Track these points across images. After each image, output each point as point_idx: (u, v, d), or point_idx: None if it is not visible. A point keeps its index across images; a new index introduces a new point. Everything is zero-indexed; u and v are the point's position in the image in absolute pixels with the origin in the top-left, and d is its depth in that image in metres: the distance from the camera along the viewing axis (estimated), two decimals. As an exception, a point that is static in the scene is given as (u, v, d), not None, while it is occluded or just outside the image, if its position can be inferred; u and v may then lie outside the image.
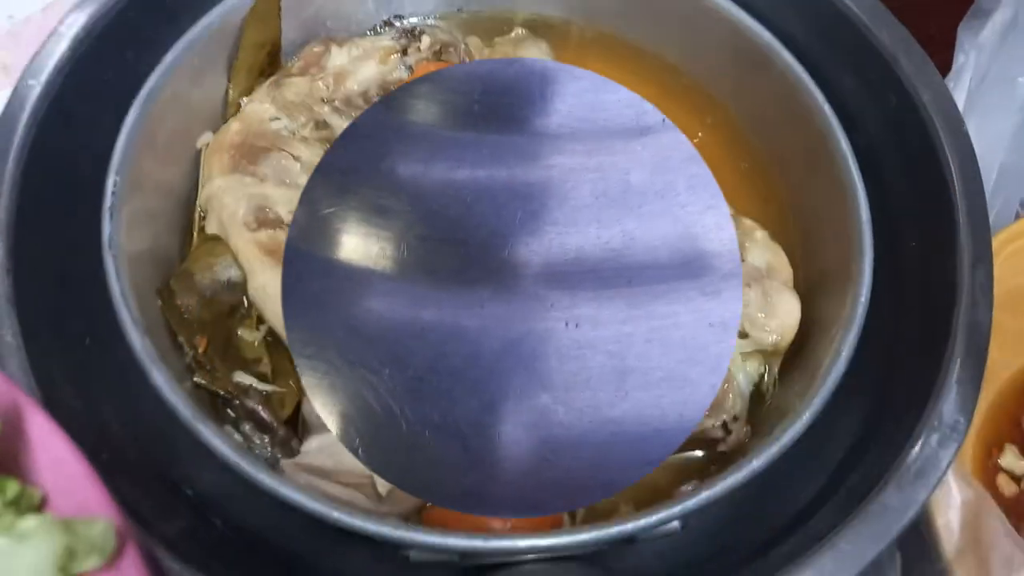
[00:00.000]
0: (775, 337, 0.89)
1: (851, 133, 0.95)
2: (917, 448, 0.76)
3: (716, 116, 1.11)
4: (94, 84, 0.96)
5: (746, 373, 0.89)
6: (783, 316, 0.89)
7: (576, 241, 0.82)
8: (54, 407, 0.75)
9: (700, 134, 1.10)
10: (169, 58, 0.95)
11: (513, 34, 1.16)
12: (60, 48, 0.94)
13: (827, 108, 0.97)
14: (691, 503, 0.73)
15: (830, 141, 0.95)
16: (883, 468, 0.76)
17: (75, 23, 0.96)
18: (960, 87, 1.10)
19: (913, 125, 0.94)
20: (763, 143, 1.07)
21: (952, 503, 0.82)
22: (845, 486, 0.79)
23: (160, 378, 0.76)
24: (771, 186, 1.06)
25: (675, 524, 0.73)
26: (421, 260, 0.82)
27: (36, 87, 0.92)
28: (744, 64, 1.05)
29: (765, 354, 0.91)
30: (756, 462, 0.75)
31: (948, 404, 0.78)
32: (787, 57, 1.00)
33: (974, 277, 0.85)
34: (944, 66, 1.13)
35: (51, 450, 0.58)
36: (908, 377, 0.85)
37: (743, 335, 0.89)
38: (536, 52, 1.12)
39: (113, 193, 0.86)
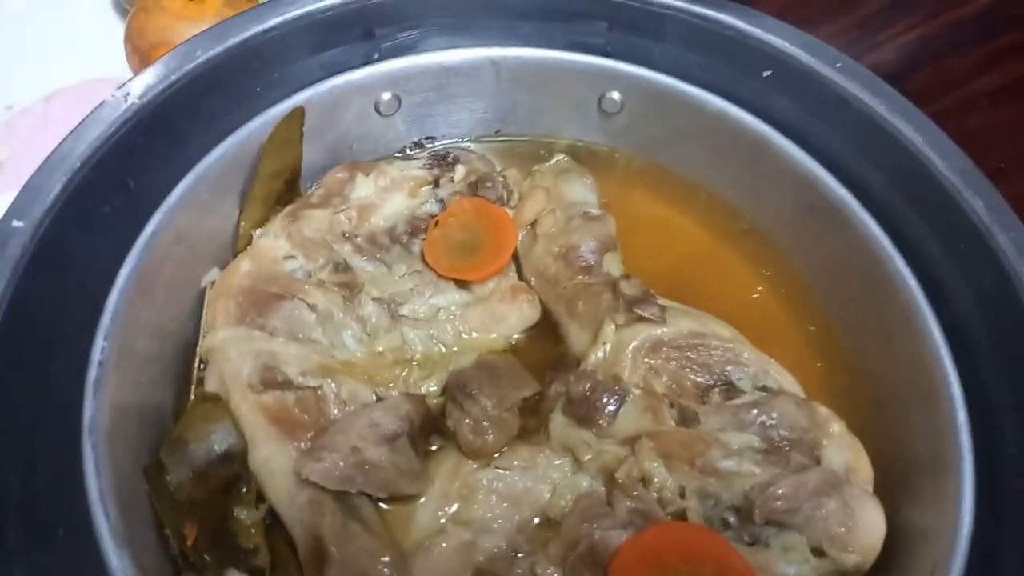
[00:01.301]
0: (857, 558, 0.77)
1: (936, 307, 0.85)
2: None
3: (778, 269, 1.00)
4: (89, 219, 0.85)
5: None
6: (867, 532, 0.77)
7: None
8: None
9: (760, 288, 1.00)
10: (175, 196, 0.85)
11: (554, 161, 1.06)
12: (52, 183, 0.83)
13: (911, 278, 0.86)
14: None
15: (914, 319, 0.84)
16: None
17: (72, 151, 0.85)
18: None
19: (1012, 312, 0.82)
20: (834, 305, 0.95)
21: None
22: None
23: (138, 607, 0.64)
24: (841, 356, 0.94)
25: None
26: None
27: (21, 225, 0.81)
28: (812, 217, 0.95)
29: (843, 574, 0.78)
30: None
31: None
32: (864, 216, 0.90)
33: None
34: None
35: None
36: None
37: (819, 553, 0.77)
38: (580, 189, 1.01)
39: (100, 363, 0.75)
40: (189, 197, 0.86)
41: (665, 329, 0.89)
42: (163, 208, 0.84)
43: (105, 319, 0.76)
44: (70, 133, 0.86)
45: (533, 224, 0.99)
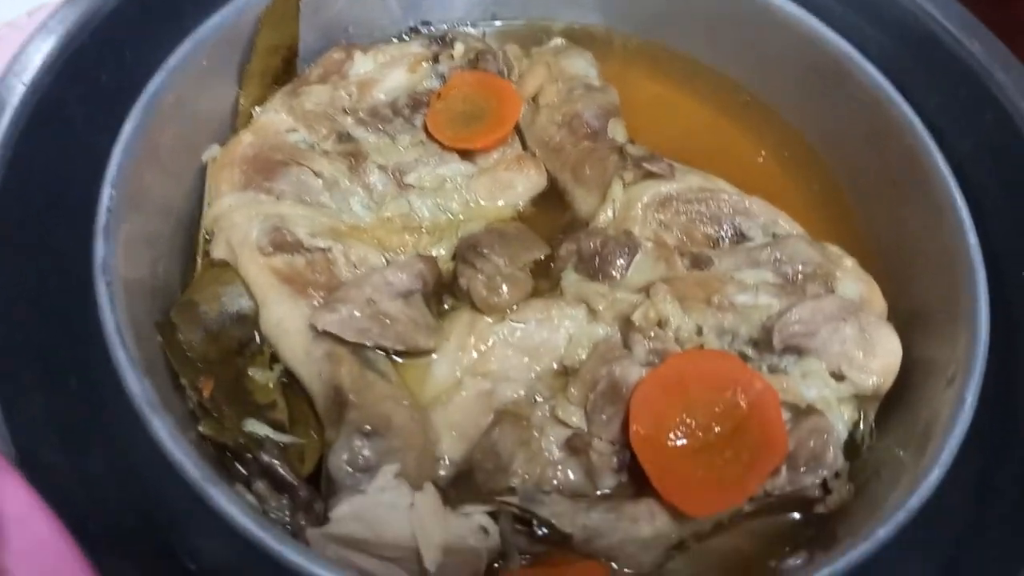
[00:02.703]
0: (876, 380, 0.77)
1: (942, 150, 0.85)
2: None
3: (781, 136, 1.00)
4: (87, 86, 0.84)
5: (843, 421, 0.77)
6: (885, 355, 0.77)
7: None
8: (33, 466, 0.61)
9: (763, 153, 1.00)
10: (175, 59, 0.84)
11: (552, 44, 1.06)
12: (49, 45, 0.82)
13: (917, 122, 0.86)
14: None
15: (922, 159, 0.85)
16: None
17: (66, 18, 0.84)
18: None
19: (1015, 146, 0.83)
20: (837, 163, 0.96)
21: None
22: (983, 555, 0.66)
23: (162, 428, 0.63)
24: (847, 211, 0.95)
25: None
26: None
27: (20, 86, 0.79)
28: (816, 77, 0.95)
29: (861, 398, 0.78)
30: (883, 531, 0.62)
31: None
32: (868, 68, 0.90)
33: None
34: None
35: (28, 527, 0.45)
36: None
37: (839, 377, 0.77)
38: (581, 63, 1.01)
39: (109, 210, 0.73)
40: (188, 61, 0.85)
41: (674, 184, 0.89)
42: (164, 70, 0.82)
43: (111, 169, 0.75)
44: (65, 2, 0.84)
45: (535, 98, 0.99)
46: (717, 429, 0.73)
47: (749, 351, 0.79)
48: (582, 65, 1.01)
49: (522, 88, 0.98)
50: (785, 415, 0.74)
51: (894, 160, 0.89)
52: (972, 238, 0.78)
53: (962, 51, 0.90)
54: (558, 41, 1.06)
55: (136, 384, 0.64)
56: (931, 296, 0.82)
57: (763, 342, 0.78)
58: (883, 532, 0.62)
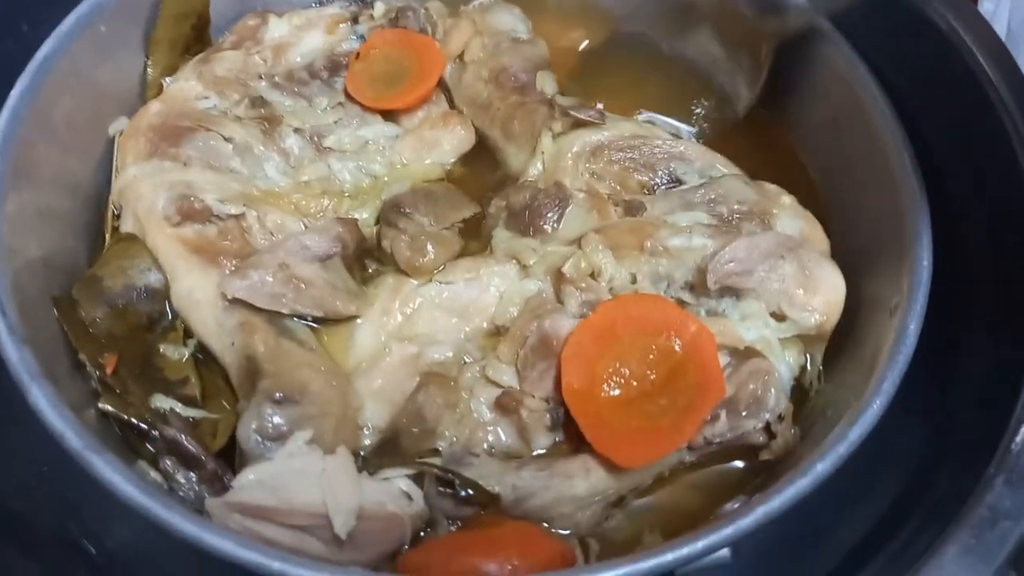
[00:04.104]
0: (819, 317, 0.73)
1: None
2: (1020, 437, 0.60)
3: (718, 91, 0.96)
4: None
5: (787, 364, 0.73)
6: (827, 292, 0.73)
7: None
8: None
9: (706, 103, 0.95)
10: (68, 23, 0.79)
11: (478, 2, 1.02)
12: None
13: (857, 57, 0.83)
14: (744, 524, 0.56)
15: (862, 95, 0.81)
16: (981, 465, 0.59)
17: (-48, -10, 0.79)
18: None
19: (958, 78, 0.79)
20: (780, 102, 0.91)
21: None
22: (933, 490, 0.62)
23: (41, 397, 0.59)
24: (789, 153, 0.91)
25: (724, 552, 0.57)
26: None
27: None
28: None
29: (806, 340, 0.74)
30: (821, 465, 0.58)
31: (1051, 379, 0.62)
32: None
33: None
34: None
35: None
36: (988, 358, 0.69)
37: (780, 317, 0.73)
38: (508, 17, 0.97)
39: (-8, 179, 0.69)
40: (86, 26, 0.80)
41: (605, 132, 0.85)
42: (56, 34, 0.78)
43: (-3, 138, 0.70)
44: (-51, -31, 0.80)
45: (461, 55, 0.95)
46: (652, 376, 0.69)
47: (686, 296, 0.75)
48: (509, 20, 0.97)
49: (447, 46, 0.94)
50: (724, 359, 0.70)
51: (835, 99, 0.85)
52: (910, 164, 0.75)
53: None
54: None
55: (15, 353, 0.60)
56: (876, 233, 0.78)
57: (699, 285, 0.74)
58: (822, 467, 0.58)
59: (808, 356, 0.76)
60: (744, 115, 0.92)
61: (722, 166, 0.84)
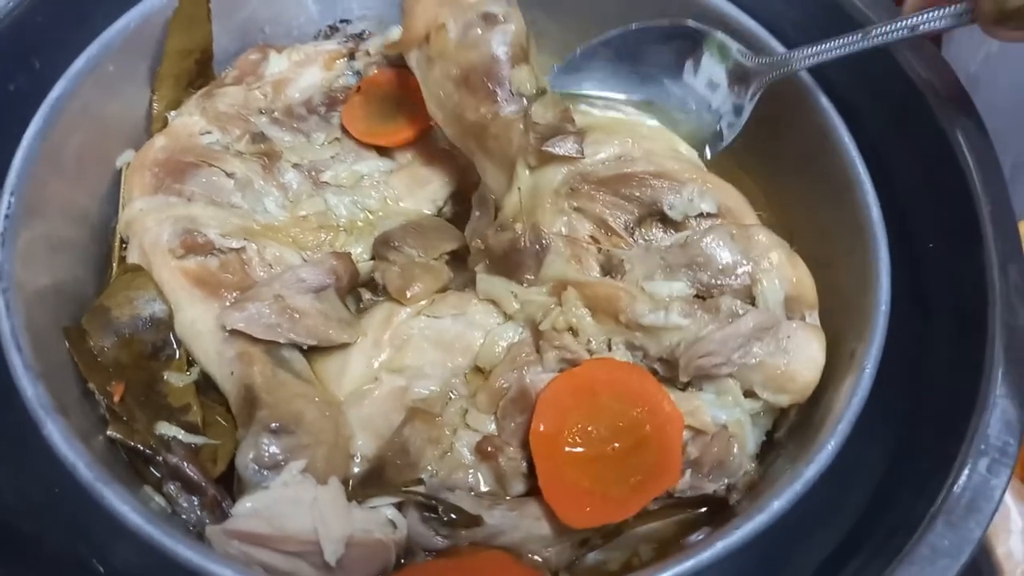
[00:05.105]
0: (793, 397, 0.75)
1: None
2: (964, 478, 0.65)
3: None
4: (-6, 96, 0.84)
5: (756, 435, 0.76)
6: (803, 367, 0.74)
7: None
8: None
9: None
10: (79, 64, 0.83)
11: None
12: (-52, 57, 0.81)
13: (824, 100, 0.86)
14: (704, 557, 0.61)
15: (830, 136, 0.85)
16: (926, 503, 0.64)
17: (-32, 27, 0.83)
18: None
19: (923, 121, 0.84)
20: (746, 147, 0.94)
21: (1014, 528, 0.70)
22: (881, 527, 0.67)
23: (55, 431, 0.63)
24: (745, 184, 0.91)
25: (685, 584, 0.61)
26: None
27: (-79, 100, 0.79)
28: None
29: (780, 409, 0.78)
30: (778, 503, 0.63)
31: (994, 423, 0.67)
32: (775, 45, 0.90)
33: (1007, 277, 0.74)
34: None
35: None
36: (941, 396, 0.74)
37: (752, 395, 0.75)
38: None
39: (7, 217, 0.73)
40: (95, 66, 0.84)
41: (584, 163, 0.82)
42: (67, 75, 0.82)
43: (11, 177, 0.75)
44: (-35, 11, 0.84)
45: (427, 39, 0.86)
46: (616, 445, 0.71)
47: (660, 369, 0.76)
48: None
49: (409, 30, 0.87)
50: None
51: (804, 141, 0.89)
52: (875, 211, 0.79)
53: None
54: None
55: (30, 388, 0.64)
56: (843, 280, 0.80)
57: (673, 364, 0.75)
58: (778, 504, 0.62)
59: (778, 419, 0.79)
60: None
61: (713, 189, 0.82)
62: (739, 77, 0.87)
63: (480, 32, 0.84)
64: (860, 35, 0.78)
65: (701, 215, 0.81)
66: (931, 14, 0.74)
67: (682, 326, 0.75)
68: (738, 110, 0.88)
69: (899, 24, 0.76)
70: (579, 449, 0.71)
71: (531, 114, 0.82)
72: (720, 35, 0.87)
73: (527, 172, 0.84)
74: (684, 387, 0.76)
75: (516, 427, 0.74)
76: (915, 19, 0.75)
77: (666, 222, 0.82)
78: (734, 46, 0.87)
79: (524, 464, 0.73)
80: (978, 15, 0.70)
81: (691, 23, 0.88)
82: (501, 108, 0.83)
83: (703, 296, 0.78)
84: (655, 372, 0.76)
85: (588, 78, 0.92)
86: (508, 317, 0.81)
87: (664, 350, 0.75)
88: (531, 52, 0.86)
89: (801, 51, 0.82)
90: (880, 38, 0.77)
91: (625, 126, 0.87)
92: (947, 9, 0.73)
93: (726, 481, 0.72)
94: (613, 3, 0.94)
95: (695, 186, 0.81)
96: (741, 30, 0.90)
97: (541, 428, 0.71)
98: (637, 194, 0.82)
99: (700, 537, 0.68)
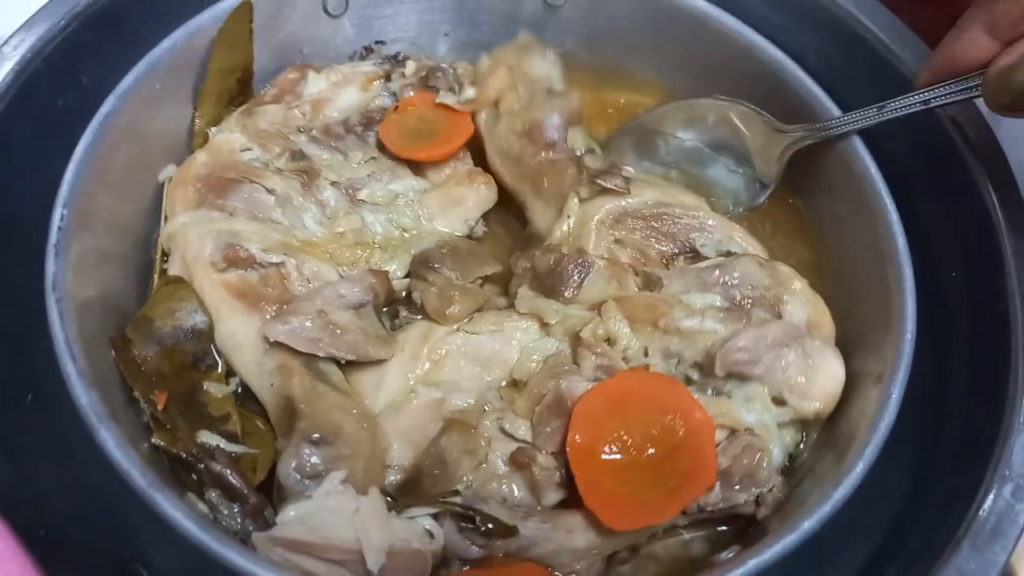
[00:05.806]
0: (817, 405, 0.78)
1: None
2: (989, 502, 0.66)
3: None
4: (43, 111, 0.86)
5: (782, 445, 0.79)
6: (826, 380, 0.78)
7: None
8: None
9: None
10: (127, 82, 0.86)
11: (517, 40, 1.03)
12: (4, 71, 0.84)
13: (858, 142, 0.89)
14: (735, 575, 0.62)
15: (856, 165, 0.88)
16: (951, 527, 0.66)
17: (22, 44, 0.86)
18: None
19: (945, 149, 0.86)
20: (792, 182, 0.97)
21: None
22: (906, 549, 0.69)
23: (109, 438, 0.65)
24: (803, 230, 0.97)
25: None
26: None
27: (-26, 112, 0.82)
28: (753, 86, 0.97)
29: (804, 422, 0.80)
30: (808, 523, 0.64)
31: (1018, 450, 0.69)
32: (799, 74, 0.94)
33: (1029, 305, 0.76)
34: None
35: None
36: (965, 423, 0.76)
37: (780, 402, 0.78)
38: (543, 65, 1.00)
39: (60, 228, 0.75)
40: (142, 84, 0.87)
41: (630, 200, 0.90)
42: (116, 93, 0.85)
43: (63, 190, 0.77)
44: (20, 27, 0.86)
45: (496, 103, 0.99)
46: (651, 450, 0.74)
47: (694, 375, 0.80)
48: (543, 68, 1.00)
49: (483, 93, 0.99)
50: (722, 435, 0.76)
51: (828, 163, 0.91)
52: (901, 241, 0.81)
53: (893, 59, 0.93)
54: (522, 37, 1.03)
55: (84, 395, 0.66)
56: (868, 309, 0.84)
57: (707, 366, 0.79)
58: (808, 524, 0.64)
59: (804, 435, 0.82)
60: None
61: (739, 238, 0.90)
62: (767, 146, 0.95)
63: (543, 99, 0.97)
64: (875, 110, 0.85)
65: (730, 253, 0.89)
66: (941, 90, 0.80)
67: (718, 330, 0.80)
68: (767, 176, 0.97)
69: (912, 99, 0.82)
70: (615, 456, 0.74)
71: (584, 160, 0.92)
72: (747, 106, 0.95)
73: (576, 202, 0.91)
74: (715, 393, 0.79)
75: (552, 432, 0.76)
76: (927, 94, 0.81)
77: (697, 259, 0.90)
78: (760, 118, 0.94)
79: (558, 474, 0.75)
80: (984, 98, 0.74)
81: (720, 98, 0.98)
82: (557, 155, 0.94)
83: (733, 310, 0.82)
84: (689, 380, 0.80)
85: (620, 160, 1.01)
86: (546, 333, 0.84)
87: (699, 353, 0.80)
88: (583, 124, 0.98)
89: (824, 124, 0.89)
90: (892, 112, 0.84)
91: (661, 183, 0.96)
92: (957, 85, 0.79)
93: (755, 491, 0.74)
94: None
95: (723, 232, 0.90)
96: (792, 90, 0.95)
97: (577, 439, 0.73)
98: (674, 231, 0.91)
99: (730, 555, 0.69)
